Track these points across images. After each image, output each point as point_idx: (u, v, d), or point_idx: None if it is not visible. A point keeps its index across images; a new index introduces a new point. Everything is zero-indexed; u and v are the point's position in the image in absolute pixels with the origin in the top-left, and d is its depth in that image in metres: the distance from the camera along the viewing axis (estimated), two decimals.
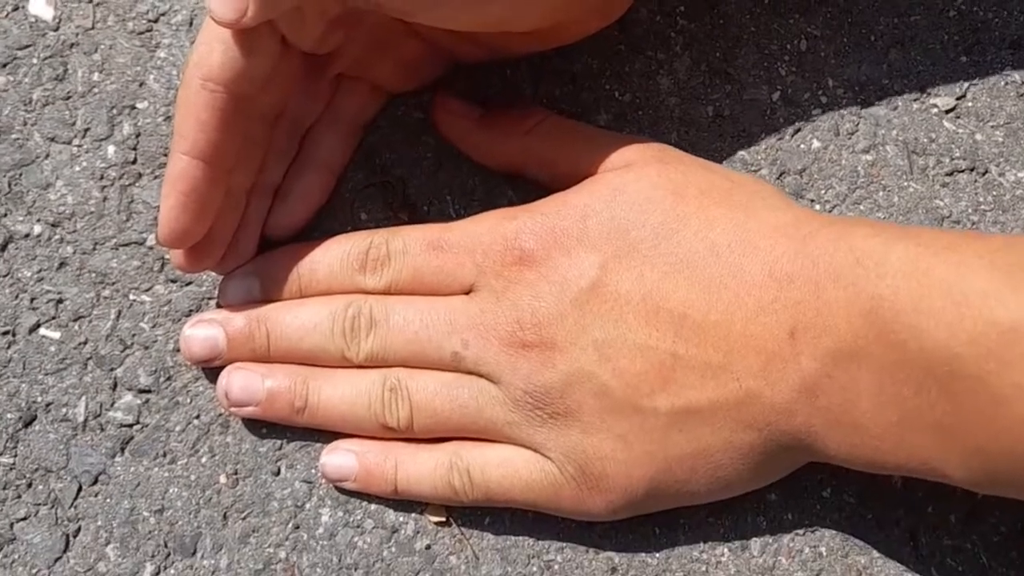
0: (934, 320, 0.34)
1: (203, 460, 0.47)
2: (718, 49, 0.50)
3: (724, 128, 0.49)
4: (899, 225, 0.41)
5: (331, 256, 0.45)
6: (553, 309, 0.41)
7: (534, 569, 0.46)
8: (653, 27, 0.50)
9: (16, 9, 0.49)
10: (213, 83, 0.38)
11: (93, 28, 0.49)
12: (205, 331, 0.45)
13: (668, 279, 0.40)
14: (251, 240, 0.45)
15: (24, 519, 0.46)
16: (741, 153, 0.49)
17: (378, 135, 0.48)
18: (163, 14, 0.50)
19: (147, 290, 0.47)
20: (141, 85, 0.48)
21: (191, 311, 0.47)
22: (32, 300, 0.47)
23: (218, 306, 0.46)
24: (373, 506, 0.46)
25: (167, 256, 0.47)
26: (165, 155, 0.48)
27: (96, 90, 0.48)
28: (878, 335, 0.36)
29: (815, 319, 0.38)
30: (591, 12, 0.43)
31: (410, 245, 0.44)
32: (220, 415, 0.47)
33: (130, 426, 0.47)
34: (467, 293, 0.44)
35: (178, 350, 0.47)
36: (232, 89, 0.39)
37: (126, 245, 0.47)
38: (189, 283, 0.47)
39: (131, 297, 0.47)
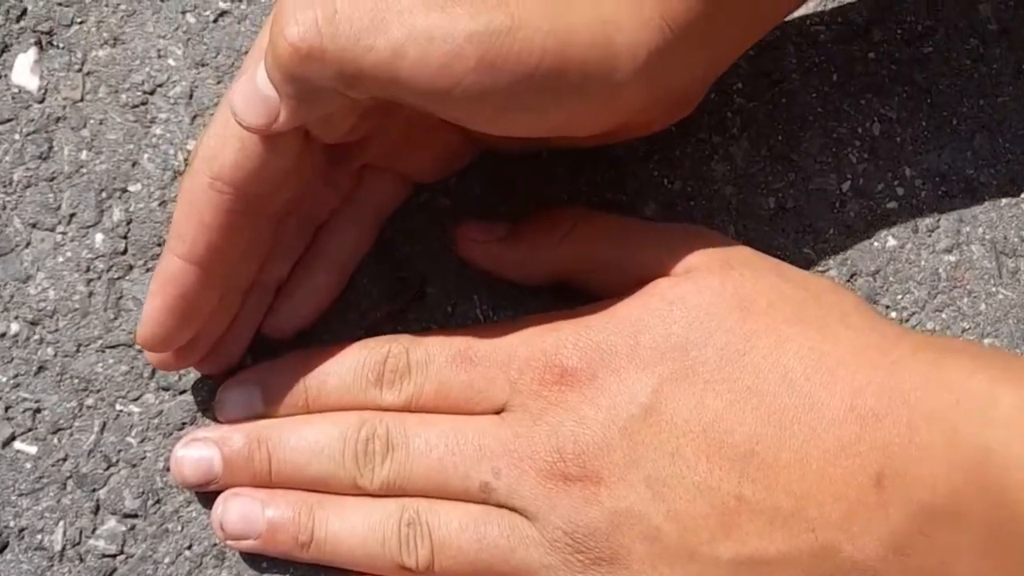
0: None
1: None
2: (780, 132, 0.46)
3: (787, 222, 0.45)
4: (1003, 353, 0.37)
5: (343, 366, 0.41)
6: (599, 438, 0.37)
7: None
8: (707, 106, 0.46)
9: None
10: (223, 183, 0.36)
11: (82, 100, 0.46)
12: (198, 452, 0.41)
13: (733, 409, 0.36)
14: (241, 341, 0.42)
15: None
16: (806, 251, 0.45)
17: (396, 224, 0.44)
18: (160, 85, 0.46)
19: (136, 399, 0.43)
20: (134, 165, 0.45)
21: (184, 424, 0.43)
22: (7, 409, 0.43)
23: (215, 420, 0.42)
24: None
25: None
26: (159, 245, 0.44)
27: (84, 170, 0.45)
28: (983, 491, 0.32)
29: (906, 466, 0.34)
30: (658, 114, 0.40)
31: (434, 355, 0.41)
32: (215, 545, 0.42)
33: (113, 556, 0.42)
34: (498, 413, 0.40)
35: (168, 469, 0.42)
36: (244, 191, 0.36)
37: (113, 347, 0.44)
38: (183, 392, 0.43)
39: (117, 407, 0.43)
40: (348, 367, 0.41)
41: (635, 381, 0.38)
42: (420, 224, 0.45)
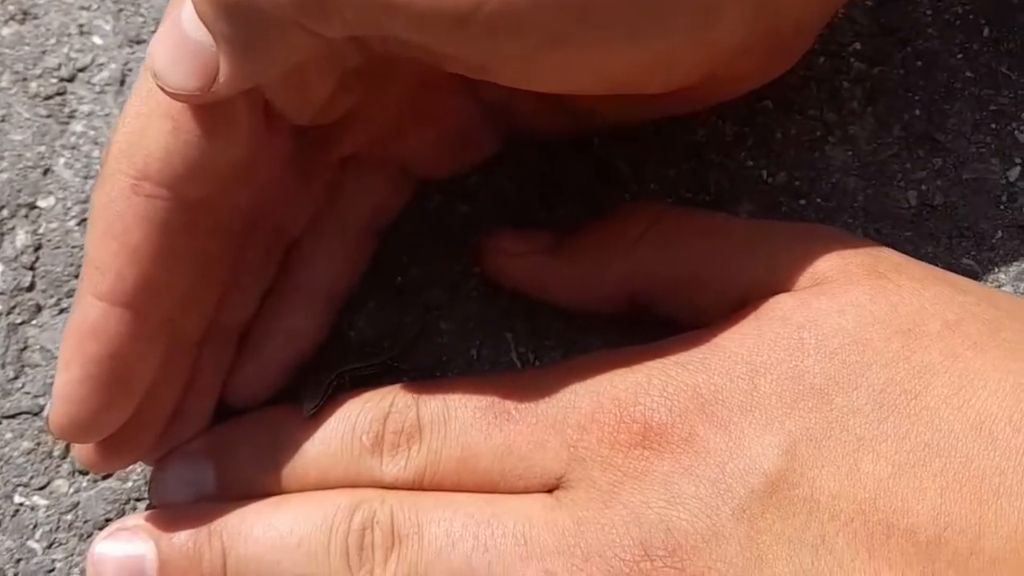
0: None
1: None
2: (917, 105, 0.37)
3: (936, 223, 0.36)
4: None
5: (327, 429, 0.33)
6: (703, 524, 0.28)
7: None
8: (815, 73, 0.38)
9: None
10: (151, 184, 0.29)
11: None
12: (126, 547, 0.32)
13: (905, 477, 0.27)
14: (202, 412, 0.34)
15: None
16: (966, 261, 0.36)
17: (396, 239, 0.37)
18: (82, 69, 0.40)
19: (42, 488, 0.35)
20: (46, 173, 0.39)
21: (109, 521, 0.35)
22: None
23: (150, 507, 0.34)
24: None
25: None
26: (77, 278, 0.37)
27: None
28: None
29: None
30: (754, 62, 0.32)
31: (455, 410, 0.32)
32: None
33: None
34: (550, 492, 0.31)
35: None
36: (183, 194, 0.29)
37: (11, 417, 0.36)
38: (108, 475, 0.35)
39: (16, 499, 0.35)
40: (334, 430, 0.33)
41: (754, 441, 0.29)
42: (429, 238, 0.38)
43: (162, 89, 0.27)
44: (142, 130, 0.29)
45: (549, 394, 0.31)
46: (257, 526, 0.32)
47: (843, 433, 0.28)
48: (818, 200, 0.37)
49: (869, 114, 0.37)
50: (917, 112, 0.37)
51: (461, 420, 0.32)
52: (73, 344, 0.30)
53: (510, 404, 0.31)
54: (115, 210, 0.29)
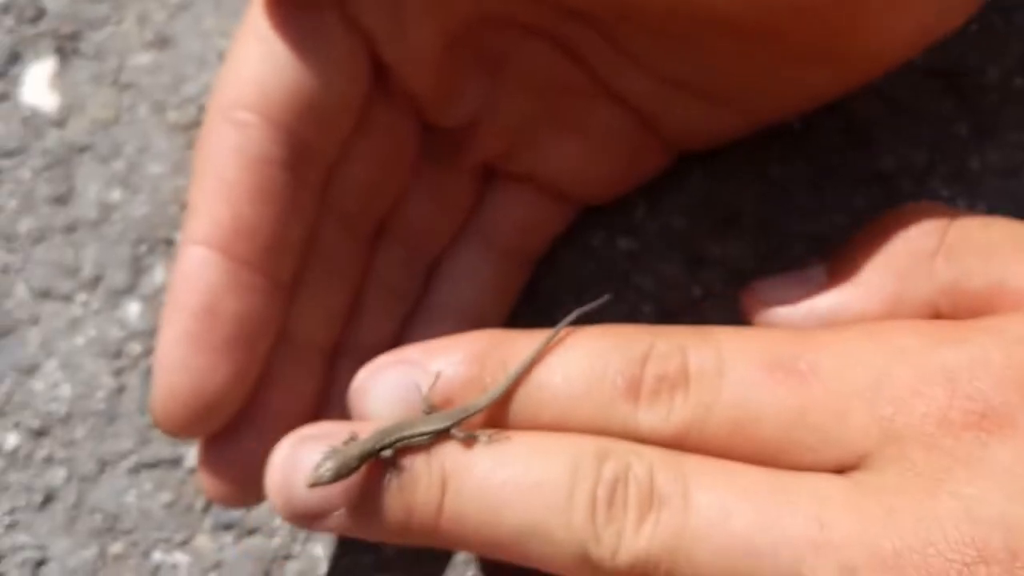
0: None
1: None
2: None
3: None
4: None
5: (572, 364, 0.28)
6: None
7: None
8: (1012, 95, 0.34)
9: (4, 98, 0.38)
10: (243, 110, 0.28)
11: (116, 123, 0.39)
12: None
13: None
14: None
15: None
16: None
17: (556, 272, 0.35)
18: None
19: (183, 544, 0.34)
20: (185, 207, 0.37)
21: None
22: None
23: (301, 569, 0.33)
24: None
25: None
26: None
27: (115, 216, 0.38)
28: None
29: None
30: None
31: (734, 361, 0.28)
32: None
33: None
34: (842, 471, 0.27)
35: None
36: (279, 124, 0.28)
37: (151, 466, 0.35)
38: (253, 531, 0.34)
39: (157, 556, 0.34)
40: (579, 365, 0.28)
41: None
42: (592, 275, 0.36)
43: None
44: (235, 60, 0.28)
45: (853, 357, 0.27)
46: (484, 458, 0.28)
47: None
48: None
49: None
50: None
51: (740, 374, 0.28)
52: (170, 299, 0.28)
53: (806, 363, 0.27)
54: (211, 147, 0.28)
